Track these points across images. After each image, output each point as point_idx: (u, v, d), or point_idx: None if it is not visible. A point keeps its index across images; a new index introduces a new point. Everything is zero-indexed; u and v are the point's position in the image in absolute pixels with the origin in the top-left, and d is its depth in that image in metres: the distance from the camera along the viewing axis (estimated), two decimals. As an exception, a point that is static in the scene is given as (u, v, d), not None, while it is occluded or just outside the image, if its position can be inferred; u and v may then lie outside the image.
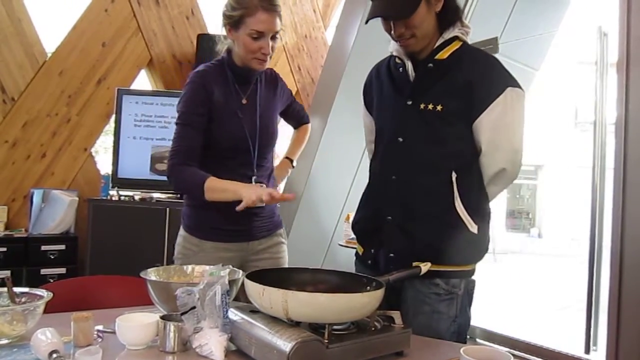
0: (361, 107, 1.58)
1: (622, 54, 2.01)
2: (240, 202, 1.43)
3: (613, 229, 2.03)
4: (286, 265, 1.74)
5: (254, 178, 1.62)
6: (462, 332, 1.34)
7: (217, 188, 1.48)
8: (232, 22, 1.54)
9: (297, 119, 1.94)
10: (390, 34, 1.36)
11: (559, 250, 11.42)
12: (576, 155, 11.70)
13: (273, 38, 1.55)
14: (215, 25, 3.91)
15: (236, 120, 1.59)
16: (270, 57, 1.58)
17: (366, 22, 1.34)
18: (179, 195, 3.25)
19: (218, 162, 1.58)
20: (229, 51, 1.62)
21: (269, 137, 1.68)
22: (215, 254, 1.60)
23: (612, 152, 2.07)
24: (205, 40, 3.54)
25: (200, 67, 1.64)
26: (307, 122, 1.97)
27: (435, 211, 1.32)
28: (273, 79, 1.75)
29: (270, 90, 1.72)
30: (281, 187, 2.12)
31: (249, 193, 1.42)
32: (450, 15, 1.36)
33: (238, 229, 1.63)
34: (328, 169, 3.53)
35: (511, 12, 3.47)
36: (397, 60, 1.41)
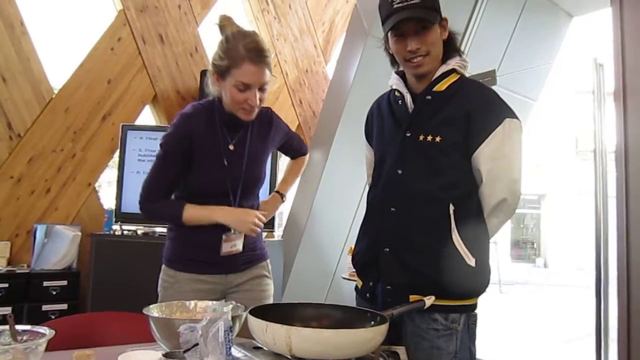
0: (363, 141, 1.60)
1: (619, 84, 2.04)
2: (220, 227, 1.56)
3: (618, 257, 2.01)
4: (270, 300, 1.72)
5: None
6: None
7: (193, 219, 1.58)
8: (219, 71, 1.53)
9: (294, 151, 1.91)
10: (400, 55, 1.36)
11: (565, 280, 11.26)
12: (579, 184, 11.69)
13: (261, 89, 1.53)
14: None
15: (220, 167, 1.58)
16: (258, 108, 1.56)
17: (390, 29, 1.33)
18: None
19: (195, 199, 1.60)
20: (218, 96, 1.60)
21: (254, 184, 1.68)
22: (190, 285, 1.61)
23: (613, 179, 2.08)
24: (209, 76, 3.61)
25: (188, 108, 1.62)
26: (305, 154, 1.94)
27: (432, 244, 1.32)
28: (267, 119, 1.71)
29: (263, 132, 1.68)
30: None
31: (232, 220, 1.57)
32: (452, 46, 1.40)
33: (213, 261, 1.62)
34: (330, 202, 3.53)
35: (508, 45, 3.55)
36: (397, 94, 1.44)
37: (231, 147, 1.60)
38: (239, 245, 1.61)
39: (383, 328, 1.02)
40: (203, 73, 3.65)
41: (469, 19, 3.37)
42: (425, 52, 1.34)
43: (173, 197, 1.64)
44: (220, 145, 1.58)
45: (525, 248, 14.78)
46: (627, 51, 2.02)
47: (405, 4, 1.30)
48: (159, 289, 1.67)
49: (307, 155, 1.96)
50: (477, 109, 1.33)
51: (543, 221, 14.41)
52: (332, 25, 4.63)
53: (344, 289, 3.60)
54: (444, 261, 1.30)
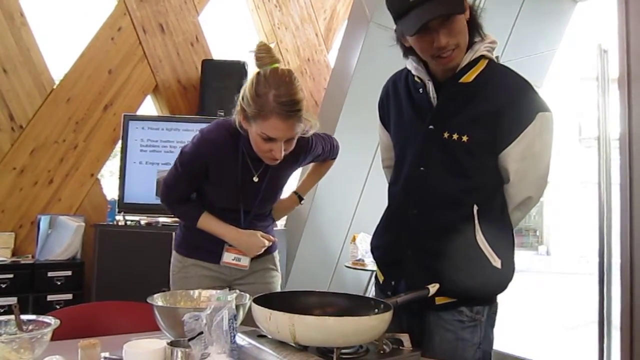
0: (377, 122, 1.51)
1: (623, 70, 2.02)
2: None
3: (622, 244, 2.01)
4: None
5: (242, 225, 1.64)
6: (486, 357, 1.31)
7: (206, 228, 1.62)
8: (245, 115, 1.41)
9: (324, 159, 1.79)
10: (427, 52, 1.23)
11: (568, 268, 11.28)
12: (582, 171, 11.66)
13: (288, 141, 1.43)
14: (219, 51, 3.98)
15: (236, 192, 1.58)
16: (286, 152, 1.45)
17: (417, 31, 1.17)
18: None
19: (207, 207, 1.63)
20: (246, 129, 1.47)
21: (269, 204, 1.70)
22: (196, 271, 1.66)
23: (617, 167, 2.07)
24: (210, 66, 3.59)
25: (213, 131, 1.53)
26: (334, 158, 1.82)
27: (456, 247, 1.26)
28: (303, 150, 1.59)
29: (293, 161, 1.59)
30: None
31: (241, 244, 1.60)
32: (473, 25, 1.28)
33: (219, 251, 1.64)
34: (333, 191, 3.53)
35: (511, 32, 3.51)
36: (417, 80, 1.31)
37: (255, 179, 1.57)
38: (244, 261, 1.64)
39: (387, 315, 1.03)
40: (204, 62, 3.64)
41: (472, 4, 3.34)
42: (455, 44, 1.21)
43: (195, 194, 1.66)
44: (239, 174, 1.55)
45: (527, 235, 14.76)
46: (632, 37, 2.00)
47: None
48: (170, 272, 1.73)
49: (335, 160, 1.83)
50: (508, 106, 1.23)
51: (546, 209, 14.39)
52: (333, 12, 4.59)
53: (347, 277, 3.61)
54: (469, 265, 1.26)
